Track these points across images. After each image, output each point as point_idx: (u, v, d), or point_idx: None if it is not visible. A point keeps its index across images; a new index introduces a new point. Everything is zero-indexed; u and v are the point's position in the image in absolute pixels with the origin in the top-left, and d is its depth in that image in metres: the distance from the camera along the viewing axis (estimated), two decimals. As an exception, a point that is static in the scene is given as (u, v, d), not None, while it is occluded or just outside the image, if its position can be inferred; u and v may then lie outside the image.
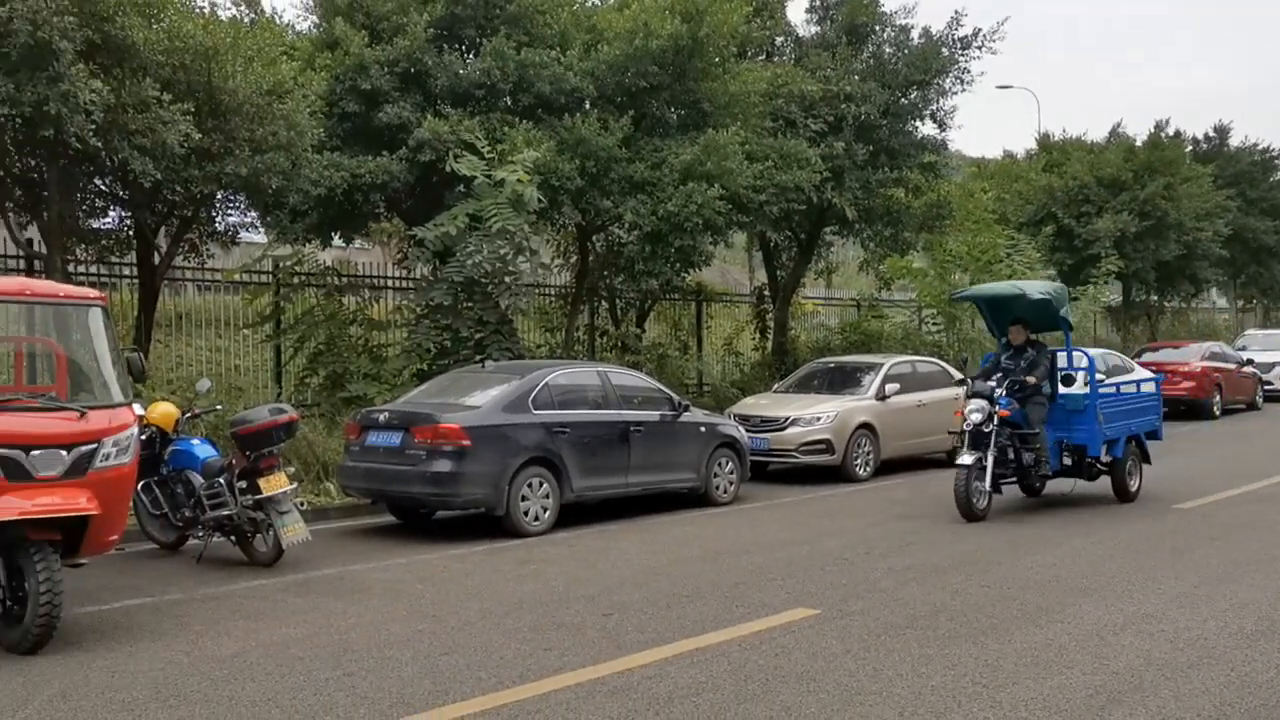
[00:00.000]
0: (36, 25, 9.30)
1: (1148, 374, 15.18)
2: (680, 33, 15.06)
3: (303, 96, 12.40)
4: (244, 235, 15.25)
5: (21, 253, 12.63)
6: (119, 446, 6.66)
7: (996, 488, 10.93)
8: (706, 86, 16.08)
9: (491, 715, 5.21)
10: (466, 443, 9.98)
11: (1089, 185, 28.47)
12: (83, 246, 13.21)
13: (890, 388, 14.80)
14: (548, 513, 10.52)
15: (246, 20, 13.44)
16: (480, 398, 10.73)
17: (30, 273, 12.36)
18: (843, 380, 15.43)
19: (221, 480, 8.87)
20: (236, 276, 15.33)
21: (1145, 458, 12.38)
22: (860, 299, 26.12)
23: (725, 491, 12.36)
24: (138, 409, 7.60)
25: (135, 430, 6.90)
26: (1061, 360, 11.84)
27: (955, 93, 20.12)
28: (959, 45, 19.81)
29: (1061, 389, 11.62)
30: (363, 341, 15.04)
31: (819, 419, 14.12)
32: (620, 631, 6.75)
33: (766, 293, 22.50)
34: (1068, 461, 11.74)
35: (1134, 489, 12.05)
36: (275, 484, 8.75)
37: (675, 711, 5.24)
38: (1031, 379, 11.07)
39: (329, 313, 14.71)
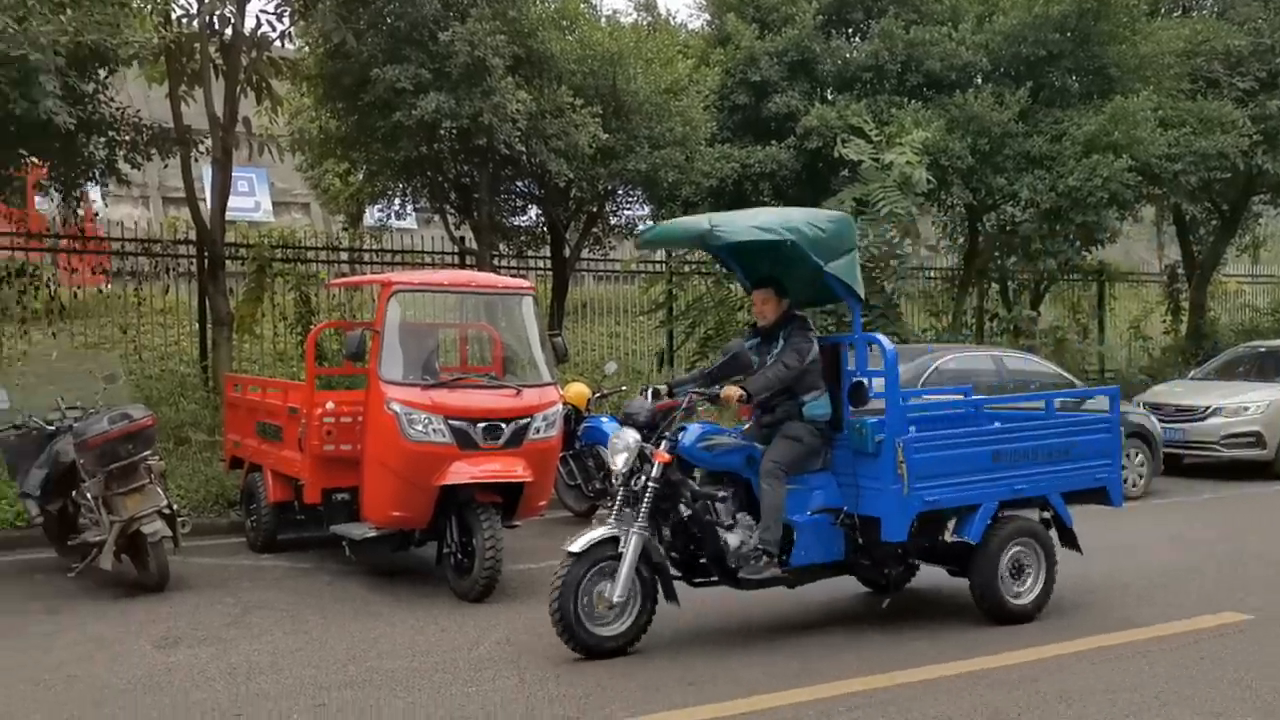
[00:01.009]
0: (474, 45, 10.47)
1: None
2: (1084, -6, 14.14)
3: (697, 92, 12.99)
4: (641, 228, 16.24)
5: (455, 248, 14.29)
6: (547, 421, 7.39)
7: (668, 590, 5.93)
8: (1113, 50, 14.96)
9: (863, 699, 5.26)
10: (856, 426, 9.99)
11: None
12: (505, 242, 14.69)
13: (1338, 375, 13.06)
14: (938, 499, 10.29)
15: (646, 24, 14.29)
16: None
17: (462, 266, 13.95)
18: (1276, 367, 13.82)
19: (629, 455, 9.50)
20: (634, 266, 16.38)
21: (1064, 539, 6.85)
22: (1296, 276, 23.15)
23: (1134, 485, 11.50)
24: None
25: (560, 407, 7.63)
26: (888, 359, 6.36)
27: None
28: None
29: (851, 412, 6.45)
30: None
31: (1246, 409, 12.77)
32: (1019, 626, 6.50)
33: (1180, 270, 20.53)
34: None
35: (1024, 602, 6.53)
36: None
37: (1089, 708, 5.01)
38: (730, 392, 6.12)
39: (718, 299, 15.30)
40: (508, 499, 7.33)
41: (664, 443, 5.95)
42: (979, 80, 15.10)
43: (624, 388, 11.85)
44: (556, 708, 5.04)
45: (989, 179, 14.70)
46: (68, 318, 12.88)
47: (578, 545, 5.75)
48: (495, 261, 14.16)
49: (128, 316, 13.31)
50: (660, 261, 15.97)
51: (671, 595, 5.95)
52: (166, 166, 13.46)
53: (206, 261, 12.12)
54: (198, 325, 12.85)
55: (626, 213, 15.31)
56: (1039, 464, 6.62)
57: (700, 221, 6.38)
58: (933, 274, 18.45)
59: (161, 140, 11.55)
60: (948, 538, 6.56)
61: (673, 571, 6.04)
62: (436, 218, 14.52)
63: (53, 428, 7.82)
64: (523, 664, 5.71)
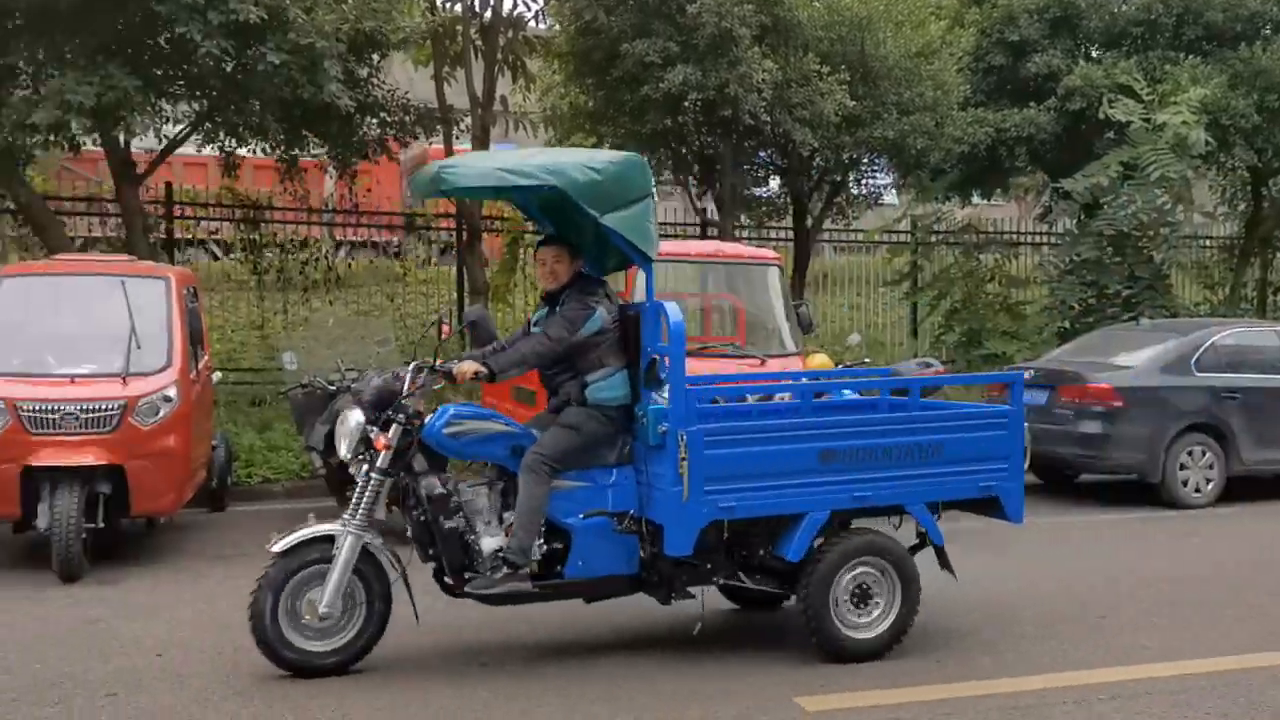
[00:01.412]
0: (721, 16, 10.51)
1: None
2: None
3: (950, 55, 12.54)
4: (886, 198, 15.88)
5: (697, 220, 14.44)
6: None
7: (411, 601, 5.11)
8: None
9: (1171, 685, 4.97)
10: (1118, 404, 9.51)
11: None
12: (746, 213, 14.70)
13: None
14: (1210, 485, 9.65)
15: (896, -14, 13.87)
16: (1133, 357, 10.14)
17: (703, 237, 14.08)
18: None
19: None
20: (876, 237, 16.03)
21: (940, 561, 5.53)
22: None
23: None
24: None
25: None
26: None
27: None
28: None
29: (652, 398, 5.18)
30: (1000, 299, 14.88)
31: None
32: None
33: None
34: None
35: (867, 636, 5.25)
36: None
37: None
38: (464, 369, 5.03)
39: (966, 270, 14.76)
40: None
41: (394, 426, 4.95)
42: (1268, 31, 13.84)
43: (867, 359, 11.64)
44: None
45: (1277, 139, 13.47)
46: (342, 286, 13.93)
47: (281, 544, 4.87)
48: (736, 233, 14.21)
49: (393, 286, 14.25)
50: (905, 232, 15.56)
51: (411, 604, 5.04)
52: (431, 145, 14.28)
53: (464, 234, 12.80)
54: (456, 294, 13.60)
55: (871, 182, 15.01)
56: (892, 466, 5.27)
57: (431, 166, 5.23)
58: (1208, 243, 17.12)
59: (426, 120, 12.25)
60: (763, 553, 5.26)
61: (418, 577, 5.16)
62: (677, 190, 14.69)
63: (334, 387, 8.50)
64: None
